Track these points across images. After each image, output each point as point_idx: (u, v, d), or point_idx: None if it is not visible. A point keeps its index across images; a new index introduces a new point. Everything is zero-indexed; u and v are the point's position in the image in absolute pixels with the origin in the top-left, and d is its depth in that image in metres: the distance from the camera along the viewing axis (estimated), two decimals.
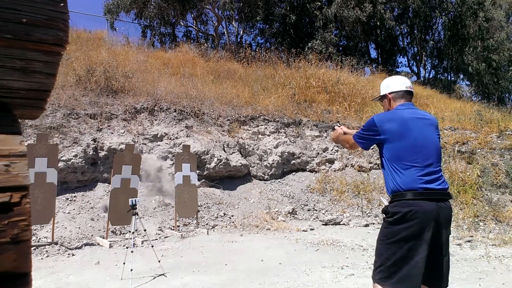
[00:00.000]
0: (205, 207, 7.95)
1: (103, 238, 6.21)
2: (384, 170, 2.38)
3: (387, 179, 2.35)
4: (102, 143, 7.89)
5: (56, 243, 5.75)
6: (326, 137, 10.74)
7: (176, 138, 8.76)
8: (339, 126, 2.89)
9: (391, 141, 2.30)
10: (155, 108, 9.15)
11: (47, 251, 5.50)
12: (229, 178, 9.10)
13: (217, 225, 7.47)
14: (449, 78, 22.21)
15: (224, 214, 7.89)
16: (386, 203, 2.37)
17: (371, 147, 2.48)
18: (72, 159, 7.28)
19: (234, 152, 9.26)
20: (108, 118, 8.41)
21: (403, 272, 2.14)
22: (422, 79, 21.17)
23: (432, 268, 2.20)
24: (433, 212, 2.17)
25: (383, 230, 2.29)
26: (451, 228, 2.41)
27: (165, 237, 6.64)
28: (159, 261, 4.71)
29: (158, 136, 8.64)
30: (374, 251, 2.43)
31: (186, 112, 9.41)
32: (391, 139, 2.30)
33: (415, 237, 2.15)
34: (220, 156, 8.82)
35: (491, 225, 7.22)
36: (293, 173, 10.00)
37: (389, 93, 2.52)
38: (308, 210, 8.76)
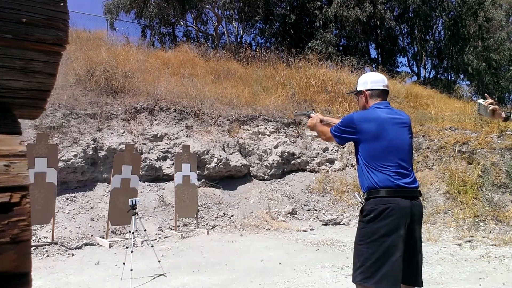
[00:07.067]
0: (205, 207, 7.95)
1: (103, 238, 6.21)
2: (359, 167, 2.43)
3: (361, 176, 2.41)
4: (102, 143, 7.89)
5: (56, 243, 5.75)
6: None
7: (176, 138, 8.76)
8: (314, 114, 2.91)
9: (368, 141, 2.36)
10: (155, 108, 9.14)
11: (47, 251, 5.50)
12: (229, 178, 9.09)
13: (217, 225, 7.47)
14: (449, 78, 22.18)
15: (224, 214, 7.89)
16: (360, 200, 2.44)
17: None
18: (72, 159, 7.28)
19: (234, 152, 9.26)
20: (108, 118, 8.41)
21: (384, 270, 2.16)
22: (422, 79, 21.13)
23: (408, 265, 2.25)
24: (408, 208, 2.24)
25: (361, 230, 2.33)
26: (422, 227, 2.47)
27: (165, 237, 6.64)
28: (159, 261, 4.70)
29: (158, 136, 8.63)
30: None
31: (186, 112, 9.40)
32: (368, 139, 2.35)
33: (393, 234, 2.20)
34: (220, 156, 8.82)
35: (491, 225, 7.21)
36: (293, 173, 10.00)
37: (366, 90, 2.54)
38: (308, 210, 8.76)
